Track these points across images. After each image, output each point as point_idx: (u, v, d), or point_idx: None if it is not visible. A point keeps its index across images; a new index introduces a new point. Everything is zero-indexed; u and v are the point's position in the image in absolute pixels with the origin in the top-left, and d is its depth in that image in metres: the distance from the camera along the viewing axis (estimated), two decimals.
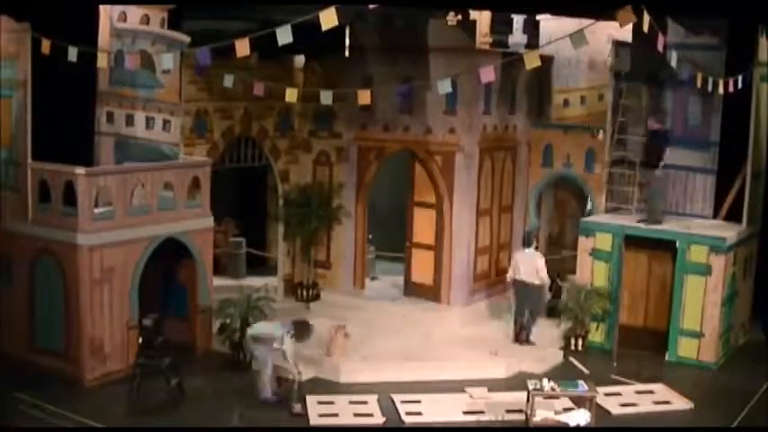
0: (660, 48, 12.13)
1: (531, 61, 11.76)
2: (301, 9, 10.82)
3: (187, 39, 13.73)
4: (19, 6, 12.54)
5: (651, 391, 12.99)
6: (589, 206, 16.84)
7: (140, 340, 12.11)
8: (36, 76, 12.78)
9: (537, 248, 15.06)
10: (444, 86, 12.35)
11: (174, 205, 13.47)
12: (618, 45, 15.68)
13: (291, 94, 13.08)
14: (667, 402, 12.56)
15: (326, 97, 12.98)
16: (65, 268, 12.50)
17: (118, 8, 13.57)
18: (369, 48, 15.78)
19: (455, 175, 15.47)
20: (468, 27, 16.02)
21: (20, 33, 12.75)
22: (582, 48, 12.07)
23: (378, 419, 11.72)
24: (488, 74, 12.05)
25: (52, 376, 12.39)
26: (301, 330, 12.15)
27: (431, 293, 15.88)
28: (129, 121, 13.98)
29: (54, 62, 12.43)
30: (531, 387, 11.33)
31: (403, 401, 12.25)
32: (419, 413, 11.96)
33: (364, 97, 12.76)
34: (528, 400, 11.33)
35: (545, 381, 11.43)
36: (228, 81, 13.07)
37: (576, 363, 14.19)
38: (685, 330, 14.26)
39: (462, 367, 13.45)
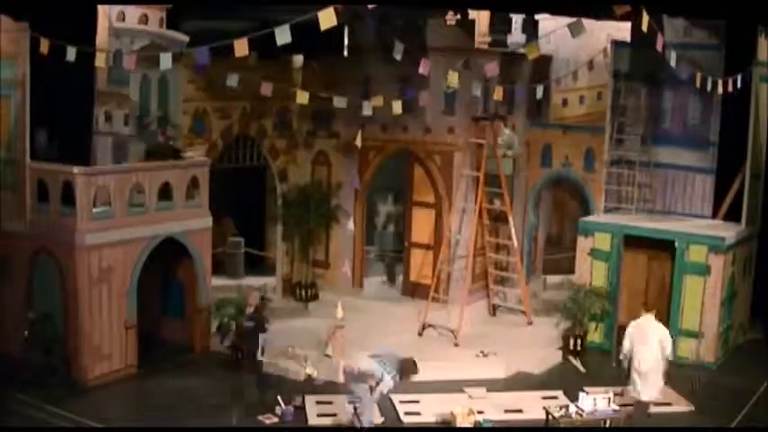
0: (659, 47, 12.14)
1: (532, 52, 11.92)
2: (300, 9, 10.81)
3: (186, 38, 13.73)
4: (18, 6, 12.52)
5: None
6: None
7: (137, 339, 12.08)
8: (34, 75, 12.77)
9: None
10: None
11: (172, 205, 13.46)
12: (617, 45, 15.68)
13: (302, 96, 13.21)
14: (668, 404, 12.53)
15: (340, 102, 13.47)
16: (63, 268, 12.49)
17: (116, 8, 13.58)
18: (367, 47, 15.76)
19: (454, 175, 15.45)
20: (467, 27, 16.02)
21: (18, 33, 12.72)
22: (580, 47, 12.14)
23: (376, 419, 11.70)
24: (493, 69, 12.28)
25: (51, 376, 12.37)
26: (407, 369, 11.46)
27: (429, 293, 15.84)
28: (128, 120, 13.98)
29: (52, 62, 12.40)
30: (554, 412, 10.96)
31: (402, 401, 12.24)
32: (418, 413, 11.96)
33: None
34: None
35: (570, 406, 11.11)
36: (232, 80, 13.03)
37: (575, 362, 14.18)
38: (684, 330, 14.24)
39: (461, 367, 13.45)
